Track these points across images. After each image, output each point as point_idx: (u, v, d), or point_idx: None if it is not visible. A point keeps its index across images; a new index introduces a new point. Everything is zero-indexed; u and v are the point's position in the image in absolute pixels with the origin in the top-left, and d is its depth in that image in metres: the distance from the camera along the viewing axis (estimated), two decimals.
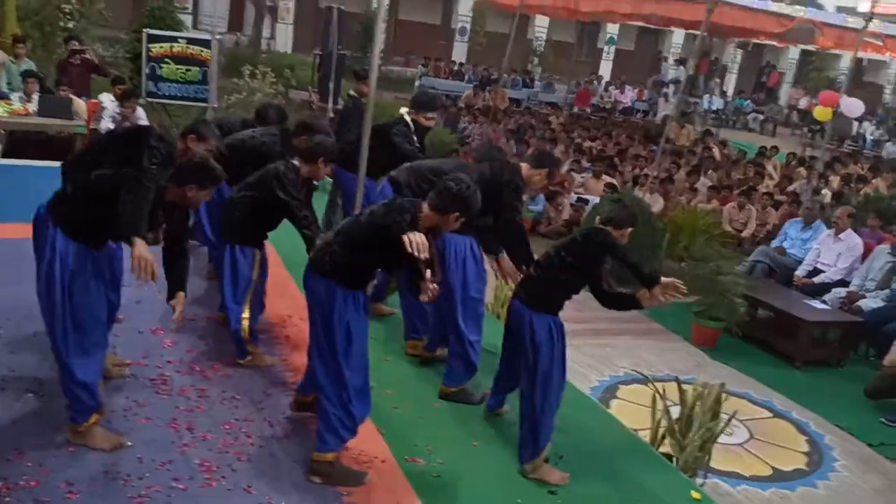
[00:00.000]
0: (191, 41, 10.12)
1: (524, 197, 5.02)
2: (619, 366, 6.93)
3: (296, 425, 4.17)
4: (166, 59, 9.98)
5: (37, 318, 4.52)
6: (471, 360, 4.68)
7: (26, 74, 9.67)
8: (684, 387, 4.94)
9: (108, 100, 9.64)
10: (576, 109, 22.12)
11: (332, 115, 13.82)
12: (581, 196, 10.73)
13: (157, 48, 9.99)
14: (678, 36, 29.70)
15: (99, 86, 10.71)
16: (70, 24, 11.68)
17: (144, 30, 10.25)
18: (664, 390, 5.00)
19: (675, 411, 4.99)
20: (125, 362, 4.50)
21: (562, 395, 4.12)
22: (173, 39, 10.13)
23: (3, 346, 4.53)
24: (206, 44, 10.13)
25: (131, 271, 3.31)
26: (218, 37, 10.54)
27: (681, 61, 27.41)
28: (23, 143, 8.96)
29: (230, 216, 4.71)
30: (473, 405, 4.66)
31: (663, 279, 3.95)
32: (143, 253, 3.28)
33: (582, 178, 11.79)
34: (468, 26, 27.45)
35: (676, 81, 23.89)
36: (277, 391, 4.46)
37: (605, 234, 4.01)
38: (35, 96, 9.26)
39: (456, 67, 23.66)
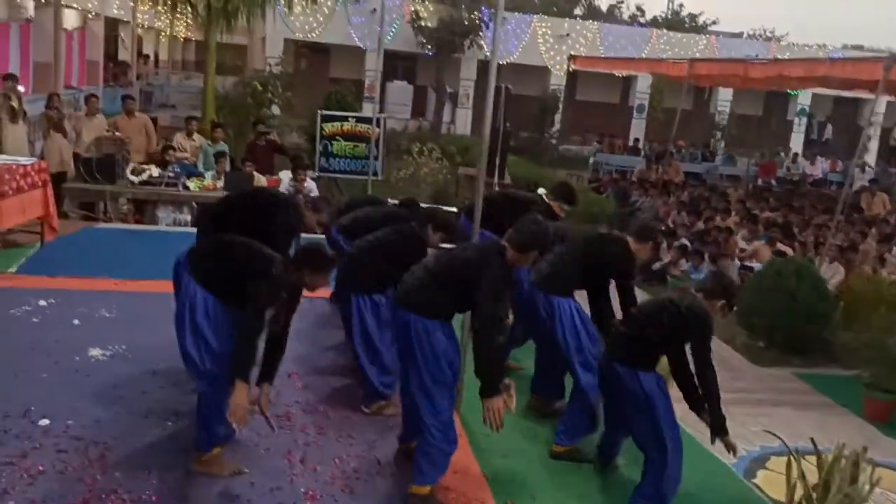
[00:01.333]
0: (359, 120, 10.89)
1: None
2: (772, 437, 6.44)
3: (404, 465, 4.26)
4: (337, 137, 10.79)
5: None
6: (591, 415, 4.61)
7: (218, 155, 10.78)
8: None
9: (286, 177, 10.53)
10: (759, 182, 21.22)
11: (496, 187, 14.23)
12: (745, 264, 10.25)
13: (329, 127, 10.83)
14: (878, 104, 27.83)
15: (284, 164, 11.71)
16: (262, 111, 12.92)
17: (319, 111, 11.18)
18: (794, 455, 4.62)
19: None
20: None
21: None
22: (344, 119, 10.95)
23: (155, 380, 5.01)
24: (373, 122, 10.86)
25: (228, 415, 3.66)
26: (388, 118, 11.28)
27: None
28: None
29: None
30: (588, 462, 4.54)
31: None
32: (240, 402, 3.61)
33: (750, 247, 11.29)
34: (646, 103, 27.35)
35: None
36: (391, 434, 4.58)
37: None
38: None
39: (631, 143, 23.56)
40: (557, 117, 25.80)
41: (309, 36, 22.56)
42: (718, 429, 4.05)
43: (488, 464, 4.42)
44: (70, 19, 17.07)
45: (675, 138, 18.19)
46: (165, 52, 29.05)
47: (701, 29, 34.71)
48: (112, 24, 22.24)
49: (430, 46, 24.32)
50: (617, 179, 17.85)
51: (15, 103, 10.73)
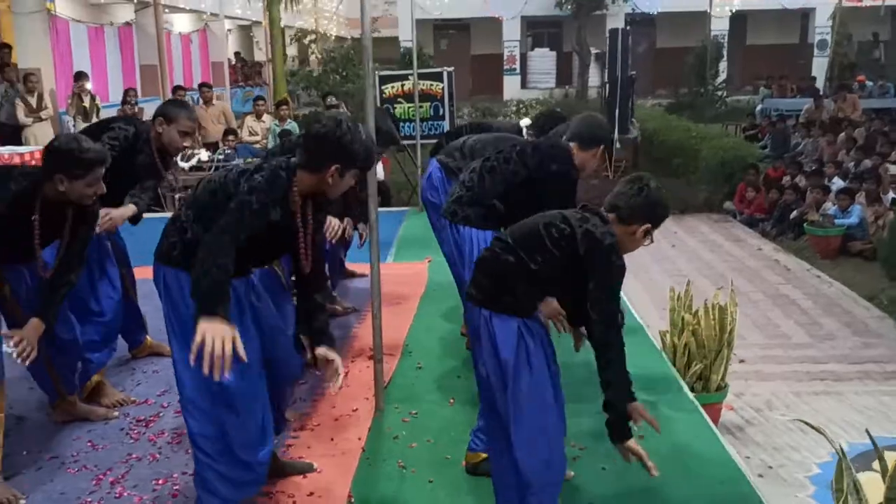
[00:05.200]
0: (422, 76, 9.67)
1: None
2: (888, 426, 4.59)
3: None
4: (399, 99, 9.68)
5: None
6: None
7: (283, 134, 10.07)
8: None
9: None
10: None
11: (617, 144, 12.52)
12: None
13: (389, 89, 9.74)
14: None
15: None
16: (346, 87, 12.08)
17: (376, 72, 10.09)
18: (844, 457, 2.92)
19: None
20: (118, 400, 3.82)
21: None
22: (404, 77, 9.81)
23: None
24: (438, 77, 9.62)
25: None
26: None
27: None
28: None
29: None
30: None
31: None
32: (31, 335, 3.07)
33: None
34: (828, 38, 23.84)
35: None
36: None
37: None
38: None
39: (805, 84, 20.52)
40: (722, 66, 23.03)
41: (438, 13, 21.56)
42: (618, 431, 2.49)
43: (370, 479, 3.15)
44: (183, 22, 17.24)
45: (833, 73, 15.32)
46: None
47: None
48: (248, 26, 22.64)
49: (569, 6, 22.55)
50: (775, 122, 15.39)
51: (87, 102, 10.65)
